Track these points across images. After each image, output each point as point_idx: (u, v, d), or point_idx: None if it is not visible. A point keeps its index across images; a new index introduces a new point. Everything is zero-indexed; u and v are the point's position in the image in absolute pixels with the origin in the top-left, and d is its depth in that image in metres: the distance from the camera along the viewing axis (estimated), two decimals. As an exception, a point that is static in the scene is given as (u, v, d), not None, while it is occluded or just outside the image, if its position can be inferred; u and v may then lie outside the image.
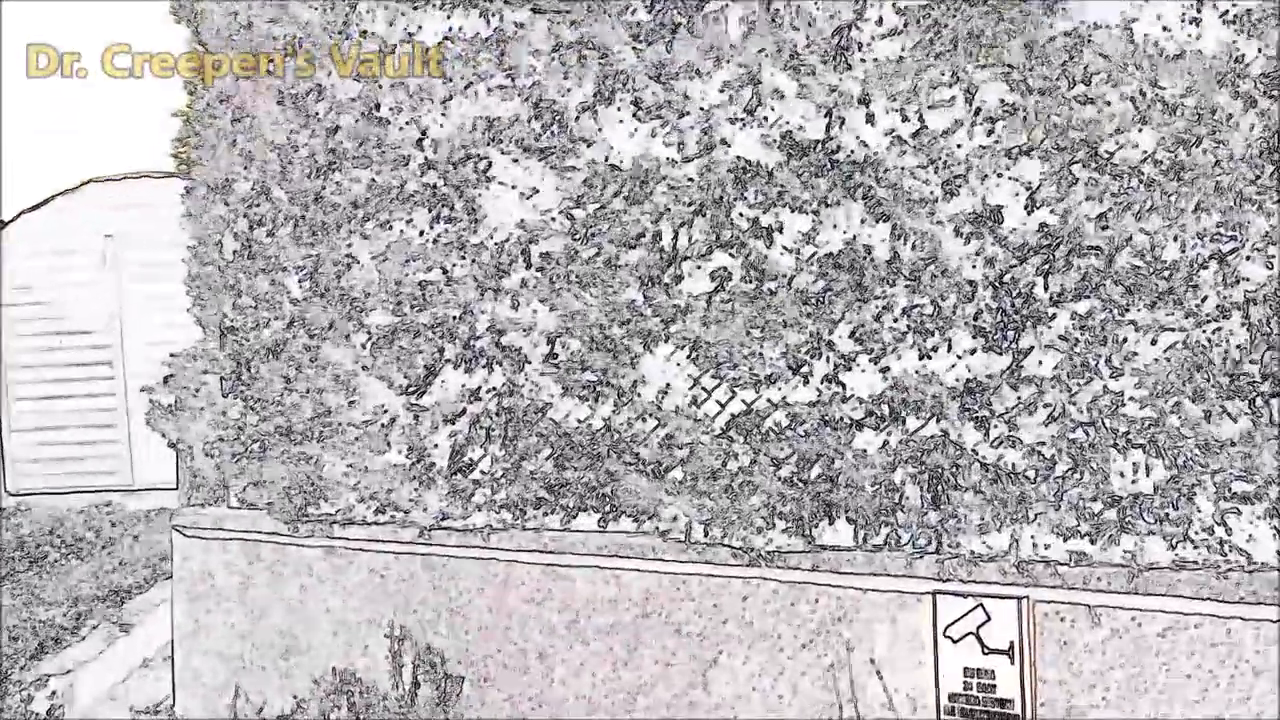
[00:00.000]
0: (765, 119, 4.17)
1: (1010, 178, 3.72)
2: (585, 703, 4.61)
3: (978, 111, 3.74)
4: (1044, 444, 3.69)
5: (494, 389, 4.81)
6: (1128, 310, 3.57)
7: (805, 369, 4.10)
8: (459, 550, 4.90)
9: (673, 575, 4.41)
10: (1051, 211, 3.66)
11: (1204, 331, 3.49)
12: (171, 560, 5.89)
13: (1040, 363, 3.71)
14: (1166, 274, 3.52)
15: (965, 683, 3.84)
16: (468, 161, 4.80)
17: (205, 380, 5.75)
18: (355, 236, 5.12)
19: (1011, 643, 3.76)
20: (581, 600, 4.63)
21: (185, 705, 5.74)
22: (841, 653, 4.08)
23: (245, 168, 5.48)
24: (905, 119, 3.88)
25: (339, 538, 5.21)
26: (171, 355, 5.91)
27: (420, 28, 4.88)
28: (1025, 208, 3.69)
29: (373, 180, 5.04)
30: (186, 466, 5.90)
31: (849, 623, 4.08)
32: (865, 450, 4.00)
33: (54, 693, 6.17)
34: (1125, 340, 3.59)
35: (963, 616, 3.84)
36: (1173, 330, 3.53)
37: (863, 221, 3.99)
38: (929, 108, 3.82)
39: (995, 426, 3.77)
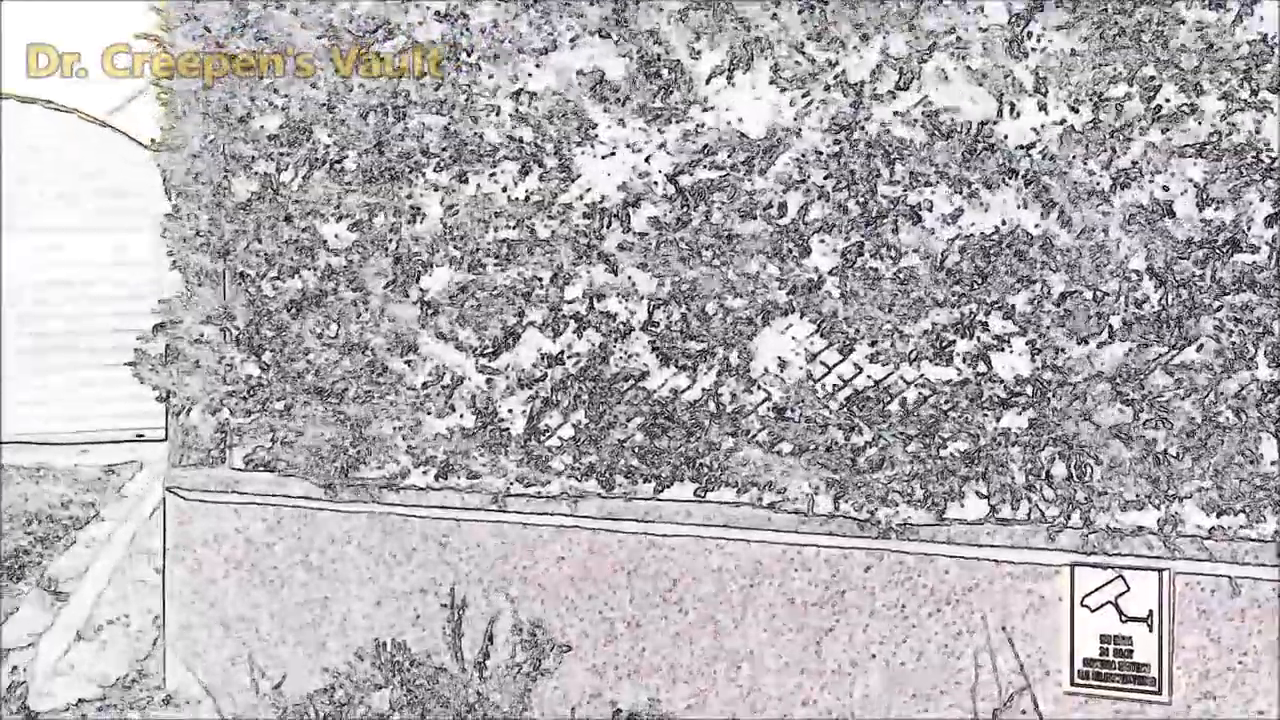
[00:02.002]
0: (924, 99, 4.22)
1: (1181, 176, 3.93)
2: (682, 670, 4.60)
3: (1155, 110, 3.92)
4: (1196, 426, 3.94)
5: (577, 354, 4.69)
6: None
7: (951, 348, 4.21)
8: (539, 517, 4.76)
9: (786, 545, 4.45)
10: (1218, 209, 3.90)
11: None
12: (164, 527, 5.46)
13: (1199, 350, 3.95)
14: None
15: (1101, 649, 4.07)
16: (567, 117, 4.62)
17: (203, 330, 5.33)
18: (421, 187, 4.85)
19: (1150, 611, 4.02)
20: (680, 570, 4.60)
21: (180, 680, 5.35)
22: (972, 621, 4.24)
23: (273, 104, 5.08)
24: (1075, 110, 4.02)
25: (390, 503, 4.97)
26: (161, 301, 5.44)
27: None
28: (1197, 205, 3.91)
29: (447, 129, 4.78)
30: (179, 424, 5.46)
31: (980, 593, 4.24)
32: (1009, 428, 4.16)
33: (15, 668, 5.61)
34: None
35: (1101, 587, 4.07)
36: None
37: (1018, 207, 4.11)
38: (1102, 100, 3.97)
39: (1146, 409, 3.99)
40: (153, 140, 5.77)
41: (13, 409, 9.28)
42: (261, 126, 5.12)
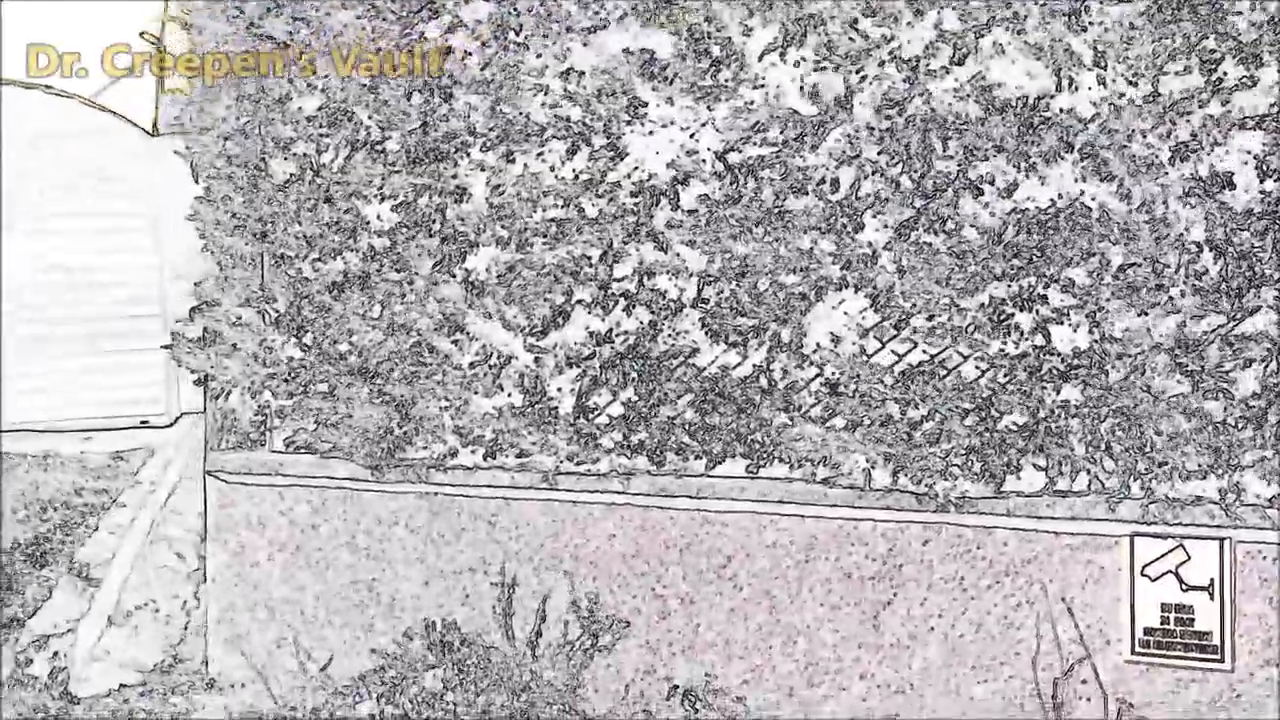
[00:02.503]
0: (979, 74, 4.23)
1: (1240, 148, 3.95)
2: (737, 646, 4.62)
3: (1215, 83, 3.94)
4: (1256, 396, 3.98)
5: (626, 332, 4.69)
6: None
7: (1009, 321, 4.23)
8: (590, 495, 4.77)
9: (843, 520, 4.47)
10: (1278, 180, 3.93)
11: None
12: (205, 510, 5.44)
13: (1255, 322, 3.98)
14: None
15: (1162, 618, 4.11)
16: (616, 96, 4.61)
17: (240, 313, 5.30)
18: (466, 166, 4.83)
19: (1211, 579, 4.06)
20: (735, 546, 4.62)
21: (223, 664, 5.33)
22: (1032, 592, 4.27)
23: (312, 85, 5.05)
24: (1134, 84, 4.04)
25: (439, 483, 4.96)
26: (196, 284, 5.41)
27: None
28: (1258, 176, 3.93)
29: (494, 109, 4.76)
30: (218, 408, 5.43)
31: (1039, 564, 4.27)
32: (1068, 400, 4.18)
33: (55, 654, 5.58)
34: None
35: (1161, 556, 4.11)
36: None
37: (1076, 180, 4.13)
38: (1161, 74, 3.99)
39: (1206, 379, 4.02)
40: (155, 126, 5.75)
41: (12, 398, 9.20)
42: (300, 108, 5.08)
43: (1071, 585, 4.24)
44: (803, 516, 4.51)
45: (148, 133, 5.94)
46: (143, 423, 9.76)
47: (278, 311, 5.18)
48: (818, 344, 4.48)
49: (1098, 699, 4.20)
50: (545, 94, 4.69)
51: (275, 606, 5.23)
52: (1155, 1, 4.00)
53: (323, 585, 5.14)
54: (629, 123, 4.60)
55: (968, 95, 4.24)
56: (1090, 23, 4.08)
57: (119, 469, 9.21)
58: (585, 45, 4.64)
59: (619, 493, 4.73)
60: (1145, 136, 4.03)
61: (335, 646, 5.13)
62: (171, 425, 6.67)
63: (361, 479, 5.07)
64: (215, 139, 5.25)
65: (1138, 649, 4.14)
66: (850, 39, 4.33)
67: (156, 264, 6.41)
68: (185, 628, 6.14)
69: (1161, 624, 4.11)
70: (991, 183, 4.22)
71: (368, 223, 5.00)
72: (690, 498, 4.63)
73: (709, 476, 4.63)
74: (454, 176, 4.84)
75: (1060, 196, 4.15)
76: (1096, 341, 4.14)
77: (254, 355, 5.24)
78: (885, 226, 4.36)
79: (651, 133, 4.59)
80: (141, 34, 5.65)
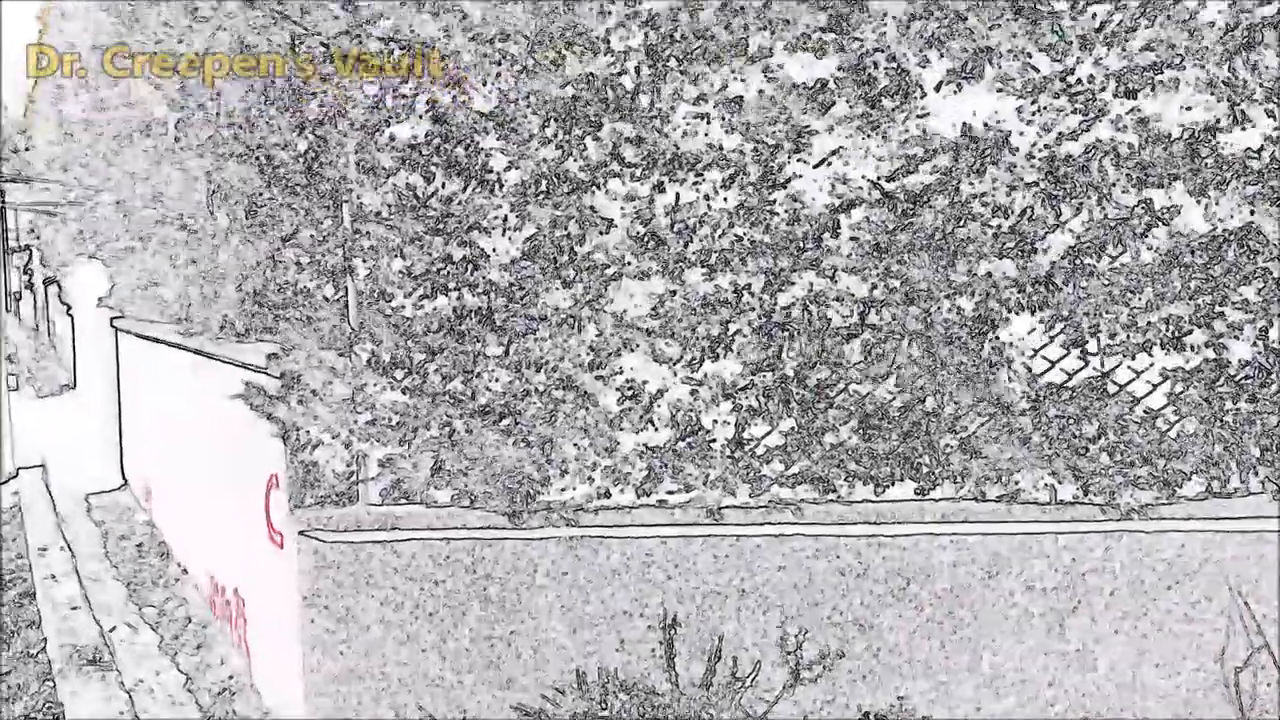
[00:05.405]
0: (1138, 107, 4.40)
1: (1406, 170, 4.32)
2: (920, 666, 4.67)
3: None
4: None
5: (784, 360, 4.62)
6: None
7: (1185, 338, 4.45)
8: (754, 528, 4.68)
9: (1025, 535, 4.60)
10: None
11: None
12: (296, 572, 4.96)
13: None
14: None
15: (1331, 603, 4.48)
16: (778, 124, 4.50)
17: (322, 356, 4.86)
18: (606, 196, 4.60)
19: (1375, 565, 4.45)
20: (913, 568, 4.65)
21: (328, 736, 4.90)
22: (1211, 589, 4.54)
23: (414, 109, 4.67)
24: (1316, 112, 4.32)
25: (587, 525, 4.72)
26: (280, 319, 4.93)
27: None
28: None
29: (638, 138, 4.55)
30: (299, 461, 4.96)
31: (1216, 563, 4.55)
32: (1240, 409, 4.46)
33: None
34: None
35: (1330, 547, 4.47)
36: None
37: (1252, 211, 4.39)
38: (1338, 102, 4.30)
39: (1370, 384, 4.39)
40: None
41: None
42: (392, 136, 4.69)
43: (1247, 579, 4.54)
44: (984, 535, 4.59)
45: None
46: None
47: (373, 353, 4.77)
48: (990, 363, 4.55)
49: (1275, 685, 4.53)
50: (705, 122, 4.51)
51: (391, 672, 4.83)
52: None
53: (450, 644, 4.80)
54: (793, 151, 4.51)
55: (1140, 125, 4.41)
56: (1258, 61, 4.32)
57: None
58: (749, 71, 4.50)
59: (788, 523, 4.66)
60: (1325, 160, 4.33)
61: (469, 709, 4.80)
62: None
63: (496, 526, 4.75)
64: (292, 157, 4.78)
65: (1310, 634, 4.49)
66: (1023, 70, 4.41)
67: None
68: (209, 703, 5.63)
69: (1332, 609, 4.47)
70: (1161, 208, 4.41)
71: (487, 256, 4.67)
72: (867, 523, 4.62)
73: (889, 502, 4.64)
74: (592, 209, 4.60)
75: (1231, 216, 4.40)
76: (1263, 354, 4.43)
77: (347, 401, 4.80)
78: (1058, 252, 4.48)
79: (814, 162, 4.52)
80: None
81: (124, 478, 10.27)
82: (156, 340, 8.07)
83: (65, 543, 7.87)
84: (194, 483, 7.26)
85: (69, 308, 15.71)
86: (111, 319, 10.21)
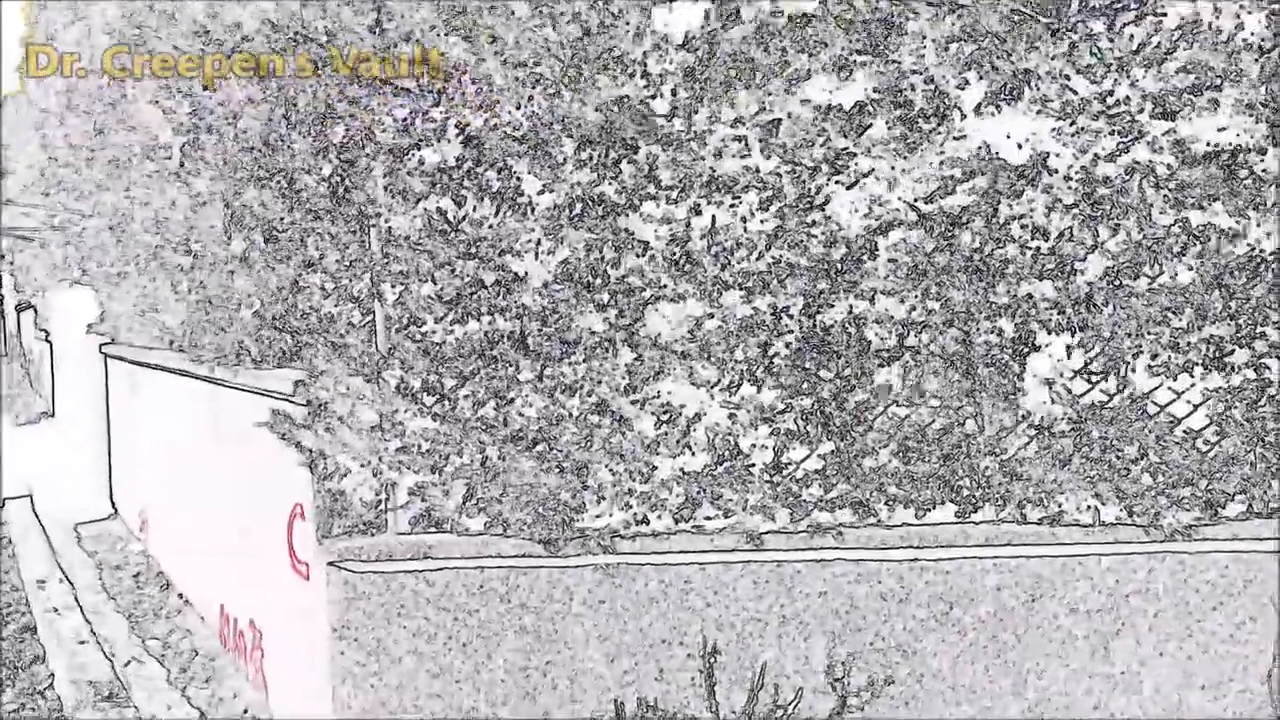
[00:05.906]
0: (1176, 130, 4.40)
1: None
2: (964, 691, 4.62)
3: None
4: None
5: (821, 383, 4.58)
6: None
7: (1227, 358, 4.44)
8: (793, 554, 4.62)
9: (1067, 558, 4.56)
10: None
11: None
12: (325, 604, 4.85)
13: None
14: None
15: (1375, 622, 4.47)
16: (815, 147, 4.47)
17: (349, 383, 4.78)
18: (639, 218, 4.55)
19: None
20: (958, 592, 4.61)
21: (359, 774, 4.79)
22: (1255, 609, 4.52)
23: (443, 134, 4.62)
24: (1354, 131, 4.33)
25: (625, 552, 4.65)
26: (303, 345, 4.84)
27: None
28: None
29: (674, 160, 4.50)
30: (326, 489, 4.86)
31: (1259, 583, 4.53)
32: (1283, 427, 4.46)
33: None
34: None
35: (1373, 566, 4.46)
36: None
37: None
38: (1376, 122, 4.31)
39: None
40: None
41: None
42: (421, 160, 4.63)
43: (1291, 599, 4.53)
44: (1026, 557, 4.56)
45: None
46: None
47: (401, 378, 4.69)
48: (1029, 386, 4.53)
49: (1321, 703, 4.51)
50: (743, 144, 4.48)
51: (424, 705, 4.74)
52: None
53: (485, 675, 4.71)
54: (832, 174, 4.48)
55: (1179, 147, 4.41)
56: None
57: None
58: (783, 94, 4.47)
59: (830, 548, 4.61)
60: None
61: (504, 740, 4.71)
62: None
63: (531, 554, 4.67)
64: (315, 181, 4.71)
65: (1354, 653, 4.48)
66: (1061, 91, 4.40)
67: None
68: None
69: (1376, 628, 4.46)
70: (1201, 229, 4.41)
71: (520, 279, 4.61)
72: (910, 547, 4.58)
73: (930, 525, 4.60)
74: (628, 232, 4.55)
75: (1270, 236, 4.40)
76: (1309, 371, 4.43)
77: (376, 428, 4.72)
78: (1096, 274, 4.47)
79: (849, 186, 4.49)
80: None
81: (114, 507, 10.10)
82: (156, 367, 7.92)
83: (64, 574, 7.71)
84: (200, 512, 7.13)
85: (46, 334, 15.48)
86: (100, 345, 10.03)
